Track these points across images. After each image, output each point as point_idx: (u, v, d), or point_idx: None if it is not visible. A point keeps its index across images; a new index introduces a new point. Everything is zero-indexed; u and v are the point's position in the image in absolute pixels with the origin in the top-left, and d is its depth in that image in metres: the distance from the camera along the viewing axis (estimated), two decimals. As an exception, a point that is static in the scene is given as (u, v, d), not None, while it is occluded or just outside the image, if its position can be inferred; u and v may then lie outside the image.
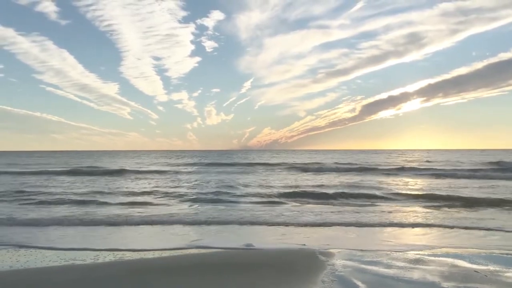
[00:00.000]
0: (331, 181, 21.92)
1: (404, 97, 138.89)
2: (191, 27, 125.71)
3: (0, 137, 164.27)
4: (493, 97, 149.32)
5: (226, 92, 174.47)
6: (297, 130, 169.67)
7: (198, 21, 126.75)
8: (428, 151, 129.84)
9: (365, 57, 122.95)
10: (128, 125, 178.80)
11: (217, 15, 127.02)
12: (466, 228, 9.16)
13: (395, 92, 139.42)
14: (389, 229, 9.23)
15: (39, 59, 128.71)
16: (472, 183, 20.53)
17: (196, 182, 22.36)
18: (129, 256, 6.66)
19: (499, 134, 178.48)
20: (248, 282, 5.17)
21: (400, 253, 6.70)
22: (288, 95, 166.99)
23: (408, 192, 16.02)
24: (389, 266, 5.81)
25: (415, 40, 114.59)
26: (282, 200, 14.26)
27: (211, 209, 12.28)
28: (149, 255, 6.77)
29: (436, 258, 6.27)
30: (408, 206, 12.67)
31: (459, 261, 6.10)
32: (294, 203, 13.50)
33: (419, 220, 10.29)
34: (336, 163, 41.78)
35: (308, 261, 6.17)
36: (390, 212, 11.64)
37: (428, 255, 6.53)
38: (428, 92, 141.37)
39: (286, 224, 9.74)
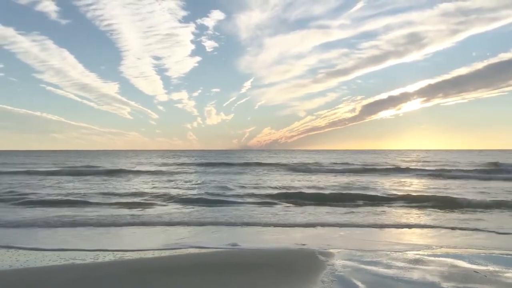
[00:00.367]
0: (327, 182, 21.85)
1: (404, 97, 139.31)
2: (191, 27, 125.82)
3: (0, 136, 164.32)
4: (493, 98, 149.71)
5: (226, 92, 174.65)
6: (297, 130, 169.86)
7: (198, 21, 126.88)
8: (428, 151, 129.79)
9: (365, 57, 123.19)
10: (128, 125, 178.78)
11: (217, 15, 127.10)
12: (461, 229, 9.20)
13: (395, 92, 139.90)
14: (386, 229, 9.26)
15: (39, 59, 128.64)
16: (467, 183, 20.52)
17: (191, 182, 22.22)
18: (129, 255, 6.66)
19: (499, 134, 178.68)
20: (248, 282, 5.17)
21: (400, 253, 6.71)
22: (288, 95, 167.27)
23: (403, 192, 15.90)
24: (388, 266, 5.81)
25: (415, 40, 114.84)
26: (276, 200, 14.14)
27: (203, 210, 12.18)
28: (149, 254, 6.77)
29: (436, 258, 6.28)
30: (403, 207, 12.64)
31: (459, 261, 6.10)
32: (288, 204, 13.44)
33: (417, 221, 10.34)
34: (333, 163, 41.69)
35: (307, 261, 6.18)
36: (385, 212, 11.65)
37: (428, 255, 6.54)
38: (428, 92, 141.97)
39: (282, 225, 9.74)
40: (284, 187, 18.75)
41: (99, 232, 8.87)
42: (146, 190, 17.51)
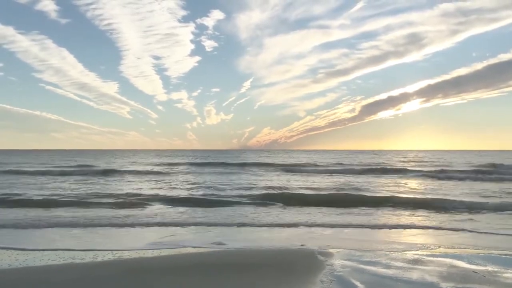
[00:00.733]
0: (319, 182, 21.73)
1: (404, 98, 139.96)
2: (191, 27, 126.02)
3: (0, 135, 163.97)
4: (492, 98, 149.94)
5: (226, 92, 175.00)
6: (296, 130, 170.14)
7: (198, 21, 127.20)
8: (427, 151, 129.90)
9: (365, 57, 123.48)
10: (128, 125, 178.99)
11: (217, 15, 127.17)
12: (457, 230, 9.23)
13: (395, 92, 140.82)
14: (383, 230, 9.27)
15: (39, 58, 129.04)
16: (461, 184, 20.53)
17: (182, 183, 21.93)
18: (128, 255, 6.66)
19: (498, 135, 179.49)
20: (248, 282, 5.17)
21: (399, 253, 6.72)
22: (288, 95, 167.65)
23: (392, 194, 15.85)
24: (387, 266, 5.82)
25: (415, 40, 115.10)
26: (271, 201, 13.96)
27: (191, 210, 12.13)
28: (148, 254, 6.77)
29: (435, 259, 6.29)
30: (389, 208, 12.57)
31: (458, 261, 6.11)
32: (282, 204, 13.37)
33: (402, 222, 10.38)
34: (327, 164, 41.52)
35: (307, 261, 6.18)
36: (378, 213, 11.65)
37: (427, 255, 6.55)
38: (428, 92, 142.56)
39: (269, 225, 9.80)
40: (274, 188, 18.53)
41: (73, 233, 8.77)
42: (135, 191, 17.16)
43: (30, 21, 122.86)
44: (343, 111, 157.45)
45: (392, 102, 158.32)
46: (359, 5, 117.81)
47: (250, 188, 18.40)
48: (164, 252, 6.89)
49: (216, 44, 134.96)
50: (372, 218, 10.82)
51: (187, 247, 7.29)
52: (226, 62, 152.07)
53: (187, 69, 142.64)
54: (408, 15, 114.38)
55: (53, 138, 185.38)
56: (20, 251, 6.90)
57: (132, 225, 9.69)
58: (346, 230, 9.19)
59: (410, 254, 6.64)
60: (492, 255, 6.62)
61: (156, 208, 12.55)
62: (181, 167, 37.52)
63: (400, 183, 21.99)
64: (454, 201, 13.16)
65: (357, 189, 18.18)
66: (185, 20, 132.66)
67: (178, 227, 9.48)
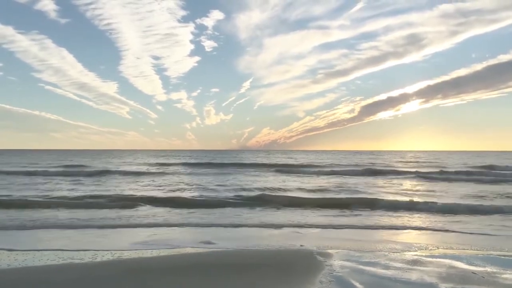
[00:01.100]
0: (313, 183, 21.69)
1: (403, 98, 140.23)
2: (191, 27, 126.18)
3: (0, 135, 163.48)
4: (492, 99, 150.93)
5: (225, 92, 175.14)
6: (296, 130, 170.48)
7: (198, 21, 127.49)
8: (427, 152, 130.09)
9: (365, 58, 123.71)
10: (127, 124, 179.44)
11: (216, 15, 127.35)
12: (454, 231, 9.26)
13: (394, 93, 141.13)
14: (369, 231, 9.29)
15: (38, 58, 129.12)
16: (452, 186, 20.53)
17: (175, 184, 21.56)
18: (127, 255, 6.66)
19: (498, 135, 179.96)
20: (247, 282, 5.17)
21: (398, 254, 6.73)
22: (288, 96, 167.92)
23: (383, 195, 15.83)
24: (387, 267, 5.83)
25: (414, 41, 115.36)
26: (262, 202, 13.87)
27: (184, 211, 12.01)
28: (147, 254, 6.77)
29: (434, 259, 6.30)
30: (377, 210, 12.46)
31: (457, 262, 6.12)
32: (272, 205, 13.31)
33: (395, 223, 10.42)
34: (326, 165, 41.31)
35: (306, 262, 6.18)
36: (370, 215, 11.62)
37: (426, 256, 6.56)
38: (427, 93, 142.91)
39: (268, 226, 9.80)
40: (266, 189, 18.33)
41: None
42: (124, 192, 16.90)
43: (30, 20, 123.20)
44: (343, 111, 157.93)
45: (391, 102, 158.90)
46: (358, 6, 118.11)
47: (241, 189, 18.13)
48: (163, 252, 6.88)
49: (215, 44, 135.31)
50: (356, 219, 10.84)
51: (186, 248, 7.29)
52: (225, 62, 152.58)
53: (187, 69, 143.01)
54: (408, 16, 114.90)
55: (52, 138, 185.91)
56: (20, 251, 6.89)
57: (117, 226, 9.64)
58: (334, 230, 9.30)
59: (409, 255, 6.65)
60: (491, 256, 6.63)
61: (146, 209, 12.47)
62: (175, 168, 37.15)
63: (390, 184, 21.79)
64: (435, 203, 13.03)
65: (347, 190, 17.99)
66: (184, 20, 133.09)
67: (165, 228, 9.48)
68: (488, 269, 5.73)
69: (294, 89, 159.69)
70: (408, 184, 22.14)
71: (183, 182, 22.42)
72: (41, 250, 6.99)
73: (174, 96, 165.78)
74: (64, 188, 18.66)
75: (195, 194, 16.58)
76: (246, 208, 12.70)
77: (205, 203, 13.64)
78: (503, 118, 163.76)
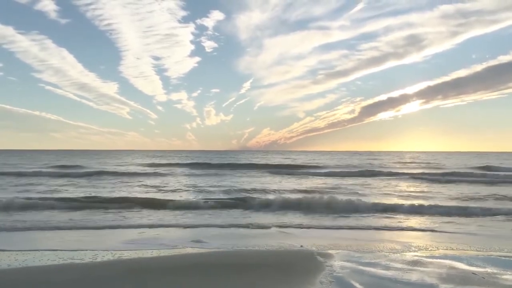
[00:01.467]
0: (303, 185, 21.52)
1: (404, 99, 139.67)
2: (191, 27, 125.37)
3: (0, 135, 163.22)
4: (492, 100, 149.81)
5: (226, 93, 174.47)
6: (296, 131, 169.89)
7: (198, 21, 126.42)
8: (427, 153, 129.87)
9: (365, 59, 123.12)
10: (127, 125, 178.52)
11: (217, 15, 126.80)
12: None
13: (395, 93, 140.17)
14: (351, 231, 9.40)
15: (39, 58, 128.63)
16: (442, 187, 20.39)
17: (166, 186, 21.11)
18: (127, 255, 6.65)
19: (498, 136, 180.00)
20: (247, 282, 5.17)
21: (398, 254, 6.73)
22: (288, 96, 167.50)
23: (366, 197, 15.61)
24: (387, 268, 5.82)
25: (415, 42, 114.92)
26: (249, 203, 13.69)
27: (174, 213, 11.93)
28: (147, 254, 6.76)
29: (434, 260, 6.29)
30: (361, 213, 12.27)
31: (457, 263, 6.12)
32: (259, 206, 13.21)
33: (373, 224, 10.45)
34: (323, 165, 41.22)
35: (306, 262, 6.17)
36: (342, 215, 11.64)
37: (426, 257, 6.56)
38: (428, 94, 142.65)
39: (257, 227, 9.83)
40: (256, 190, 18.07)
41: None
42: (115, 194, 16.62)
43: (30, 21, 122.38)
44: (343, 112, 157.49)
45: (391, 103, 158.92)
46: (359, 6, 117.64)
47: (232, 191, 17.79)
48: (164, 253, 6.88)
49: (216, 45, 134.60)
50: (337, 221, 10.83)
51: (186, 248, 7.30)
52: (226, 62, 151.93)
53: (187, 70, 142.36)
54: (408, 17, 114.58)
55: (52, 138, 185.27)
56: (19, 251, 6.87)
57: (106, 227, 9.61)
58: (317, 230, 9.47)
59: (409, 256, 6.65)
60: (492, 256, 6.63)
61: (137, 210, 12.37)
62: (171, 169, 36.58)
63: (381, 185, 21.59)
64: (423, 205, 12.93)
65: (338, 192, 17.72)
66: (185, 20, 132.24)
67: (156, 228, 9.47)
68: (489, 270, 5.73)
69: (294, 90, 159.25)
70: (398, 185, 21.97)
71: (178, 183, 22.15)
72: (41, 250, 6.98)
73: (174, 96, 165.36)
74: (57, 190, 18.35)
75: (188, 195, 16.40)
76: (235, 209, 12.63)
77: (197, 204, 13.38)
78: (503, 119, 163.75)
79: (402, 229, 9.58)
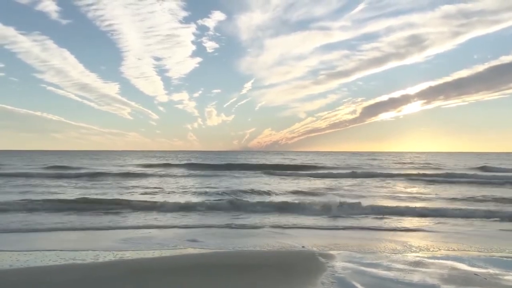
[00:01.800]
0: (292, 186, 20.96)
1: (405, 99, 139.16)
2: (192, 28, 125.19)
3: (1, 136, 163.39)
4: (494, 100, 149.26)
5: (227, 93, 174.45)
6: (297, 131, 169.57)
7: (199, 22, 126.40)
8: (428, 153, 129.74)
9: (366, 59, 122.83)
10: (128, 125, 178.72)
11: (218, 16, 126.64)
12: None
13: (396, 94, 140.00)
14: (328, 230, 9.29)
15: (40, 59, 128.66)
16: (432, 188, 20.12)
17: (161, 186, 20.64)
18: (129, 256, 6.64)
19: (500, 137, 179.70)
20: (248, 283, 5.17)
21: (400, 255, 6.73)
22: (289, 96, 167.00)
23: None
24: (388, 269, 5.82)
25: (416, 42, 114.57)
26: (237, 204, 13.33)
27: (165, 215, 11.66)
28: (149, 255, 6.76)
29: (436, 261, 6.29)
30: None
31: (459, 264, 6.11)
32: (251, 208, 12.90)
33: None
34: (320, 166, 40.83)
35: (308, 263, 6.17)
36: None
37: (428, 257, 6.55)
38: (429, 94, 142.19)
39: (249, 227, 9.83)
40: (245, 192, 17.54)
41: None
42: (109, 195, 16.14)
43: (31, 21, 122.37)
44: (344, 112, 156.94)
45: (393, 103, 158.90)
46: (360, 7, 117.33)
47: (228, 192, 17.41)
48: (165, 253, 6.88)
49: (217, 45, 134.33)
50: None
51: (187, 248, 7.31)
52: (227, 63, 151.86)
53: (188, 70, 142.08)
54: (410, 17, 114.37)
55: (53, 139, 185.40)
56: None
57: (100, 228, 9.55)
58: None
59: (411, 256, 6.64)
60: (494, 257, 6.62)
61: (130, 211, 12.13)
62: (167, 169, 35.64)
63: (378, 186, 21.35)
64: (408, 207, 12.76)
65: (336, 193, 17.21)
66: (186, 21, 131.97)
67: (152, 229, 9.42)
68: (491, 270, 5.72)
69: (295, 90, 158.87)
70: (393, 185, 21.71)
71: (173, 185, 21.69)
72: (42, 250, 6.98)
73: (176, 97, 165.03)
74: (55, 191, 17.78)
75: (184, 196, 16.12)
76: (230, 210, 12.44)
77: (191, 205, 13.11)
78: (505, 119, 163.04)
79: (401, 229, 9.54)
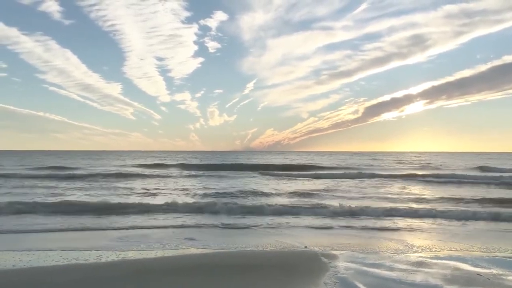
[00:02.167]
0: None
1: (408, 99, 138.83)
2: (194, 28, 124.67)
3: (3, 136, 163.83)
4: (497, 100, 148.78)
5: (229, 93, 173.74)
6: (300, 131, 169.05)
7: (201, 22, 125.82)
8: (430, 153, 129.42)
9: (369, 59, 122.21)
10: (131, 125, 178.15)
11: (220, 16, 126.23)
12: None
13: (399, 94, 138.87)
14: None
15: (43, 59, 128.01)
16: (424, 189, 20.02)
17: (162, 187, 20.47)
18: (131, 256, 6.64)
19: (503, 136, 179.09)
20: (250, 283, 5.16)
21: (403, 255, 6.71)
22: (291, 97, 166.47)
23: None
24: (391, 269, 5.81)
25: (419, 42, 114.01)
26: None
27: (157, 216, 11.37)
28: (151, 255, 6.75)
29: (439, 261, 6.27)
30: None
31: (462, 264, 6.10)
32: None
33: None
34: (318, 166, 40.72)
35: (310, 263, 6.16)
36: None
37: (431, 257, 6.53)
38: (432, 94, 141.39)
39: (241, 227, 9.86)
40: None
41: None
42: (104, 197, 15.64)
43: (34, 22, 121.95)
44: (346, 112, 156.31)
45: (395, 103, 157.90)
46: (362, 7, 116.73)
47: (225, 193, 17.16)
48: (168, 253, 6.87)
49: (219, 45, 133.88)
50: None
51: (190, 248, 7.29)
52: (229, 63, 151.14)
53: (190, 70, 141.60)
54: (412, 17, 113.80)
55: (56, 139, 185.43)
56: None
57: (96, 229, 9.49)
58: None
59: (413, 257, 6.63)
60: (497, 257, 6.60)
61: (127, 212, 11.90)
62: (166, 170, 35.27)
63: (371, 186, 21.15)
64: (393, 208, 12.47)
65: (335, 193, 17.51)
66: (188, 21, 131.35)
67: (148, 229, 9.41)
68: (494, 271, 5.70)
69: (297, 90, 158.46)
70: (390, 186, 21.44)
71: (170, 185, 21.45)
72: (46, 250, 6.96)
73: (178, 97, 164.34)
74: (54, 193, 17.26)
75: (181, 197, 15.91)
76: (224, 212, 12.19)
77: (189, 206, 12.91)
78: (508, 119, 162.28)
79: (403, 229, 9.53)
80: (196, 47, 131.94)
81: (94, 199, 14.32)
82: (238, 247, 7.40)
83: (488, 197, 15.52)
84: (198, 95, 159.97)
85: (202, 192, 17.77)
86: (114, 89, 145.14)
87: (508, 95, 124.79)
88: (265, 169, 35.11)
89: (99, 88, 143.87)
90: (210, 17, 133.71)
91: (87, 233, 9.07)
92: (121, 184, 22.04)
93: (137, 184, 21.96)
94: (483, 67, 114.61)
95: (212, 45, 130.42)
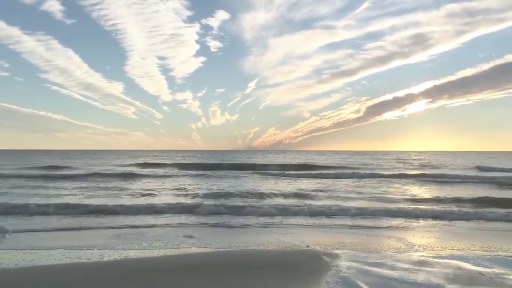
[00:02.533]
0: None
1: (409, 98, 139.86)
2: (196, 27, 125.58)
3: (5, 135, 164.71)
4: (498, 99, 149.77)
5: (231, 92, 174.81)
6: (301, 130, 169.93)
7: (203, 21, 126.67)
8: (432, 152, 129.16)
9: (370, 58, 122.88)
10: (133, 125, 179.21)
11: (222, 15, 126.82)
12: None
13: (400, 93, 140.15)
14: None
15: (44, 58, 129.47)
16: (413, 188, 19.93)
17: (160, 187, 20.16)
18: (133, 255, 6.65)
19: (504, 136, 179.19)
20: (252, 282, 5.16)
21: (405, 254, 6.71)
22: (293, 96, 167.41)
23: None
24: (393, 268, 5.80)
25: (420, 41, 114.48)
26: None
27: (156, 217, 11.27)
28: (153, 254, 6.76)
29: (441, 260, 6.27)
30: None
31: (464, 263, 6.09)
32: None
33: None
34: (317, 166, 40.32)
35: (312, 262, 6.16)
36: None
37: (433, 257, 6.53)
38: (433, 93, 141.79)
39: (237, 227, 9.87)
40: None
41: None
42: (101, 197, 15.76)
43: (36, 21, 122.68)
44: (348, 111, 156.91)
45: (397, 102, 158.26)
46: (364, 6, 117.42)
47: (223, 193, 16.95)
48: (169, 252, 6.87)
49: (221, 45, 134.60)
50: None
51: (191, 247, 7.30)
52: (231, 62, 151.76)
53: (192, 70, 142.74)
54: (414, 16, 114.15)
55: (58, 138, 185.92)
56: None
57: (94, 228, 9.49)
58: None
59: (415, 256, 6.62)
60: (499, 256, 6.60)
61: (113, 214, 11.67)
62: (165, 170, 34.58)
63: (370, 186, 20.84)
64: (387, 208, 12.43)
65: (334, 193, 17.17)
66: (190, 20, 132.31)
67: (147, 228, 9.41)
68: (496, 270, 5.69)
69: (299, 89, 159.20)
70: (387, 186, 21.27)
71: (167, 185, 21.11)
72: (48, 249, 6.97)
73: (180, 96, 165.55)
74: (53, 194, 16.94)
75: (180, 198, 15.79)
76: (222, 212, 12.08)
77: (186, 206, 12.80)
78: (510, 118, 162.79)
79: (404, 229, 9.54)
80: (197, 46, 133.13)
81: (90, 200, 14.30)
82: (239, 246, 7.40)
83: (485, 195, 15.56)
84: (199, 94, 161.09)
85: (200, 192, 17.69)
86: (116, 88, 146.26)
87: (510, 94, 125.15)
88: (263, 169, 35.09)
89: (101, 87, 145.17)
90: (212, 16, 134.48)
91: (88, 232, 9.09)
92: (117, 184, 21.83)
93: (133, 184, 21.80)
94: (485, 66, 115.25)
95: (213, 44, 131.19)
